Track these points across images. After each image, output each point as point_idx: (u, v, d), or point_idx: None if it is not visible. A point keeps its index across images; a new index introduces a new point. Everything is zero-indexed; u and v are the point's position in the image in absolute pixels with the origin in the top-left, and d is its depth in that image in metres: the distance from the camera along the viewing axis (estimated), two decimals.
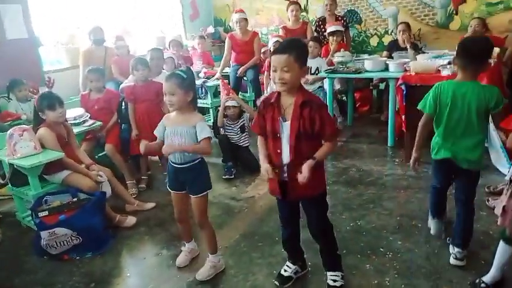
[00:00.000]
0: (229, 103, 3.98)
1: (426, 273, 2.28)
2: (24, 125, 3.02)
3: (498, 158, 3.50)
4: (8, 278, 2.57)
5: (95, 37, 4.91)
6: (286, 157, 1.94)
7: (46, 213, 2.67)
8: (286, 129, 1.91)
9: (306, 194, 1.99)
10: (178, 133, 2.19)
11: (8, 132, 2.89)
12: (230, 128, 4.03)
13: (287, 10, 5.44)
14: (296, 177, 1.86)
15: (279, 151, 1.94)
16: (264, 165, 1.96)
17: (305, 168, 1.84)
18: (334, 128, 1.94)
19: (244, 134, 4.05)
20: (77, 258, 2.71)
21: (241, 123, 4.04)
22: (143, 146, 2.30)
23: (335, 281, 2.16)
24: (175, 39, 5.63)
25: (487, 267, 2.26)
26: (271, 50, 4.79)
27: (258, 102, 4.19)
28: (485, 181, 3.30)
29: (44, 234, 2.64)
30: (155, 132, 2.31)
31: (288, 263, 2.30)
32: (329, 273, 2.19)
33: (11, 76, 4.09)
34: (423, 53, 4.57)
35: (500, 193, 2.96)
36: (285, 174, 1.96)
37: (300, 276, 2.31)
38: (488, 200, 2.97)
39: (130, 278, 2.50)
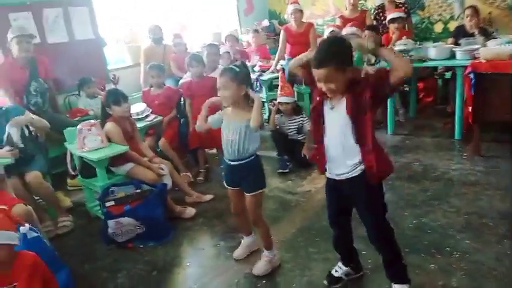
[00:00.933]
0: (281, 99, 3.93)
1: (498, 276, 2.12)
2: (92, 120, 3.20)
3: None
4: (80, 262, 2.75)
5: (154, 36, 5.11)
6: (330, 144, 1.88)
7: (113, 203, 2.83)
8: (332, 116, 1.84)
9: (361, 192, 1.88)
10: (231, 128, 2.20)
11: (78, 127, 3.09)
12: (284, 124, 3.99)
13: None
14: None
15: (322, 137, 1.91)
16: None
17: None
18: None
19: (300, 135, 3.98)
20: (141, 246, 2.84)
21: (299, 124, 3.96)
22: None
23: None
24: (231, 33, 5.69)
25: None
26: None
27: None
28: None
29: (110, 223, 2.79)
30: (209, 119, 2.33)
31: (339, 263, 2.21)
32: (394, 286, 2.02)
33: (80, 75, 4.37)
34: (495, 38, 4.22)
35: None
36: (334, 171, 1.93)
37: (354, 278, 2.22)
38: None
39: (190, 268, 2.58)
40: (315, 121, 1.94)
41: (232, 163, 2.26)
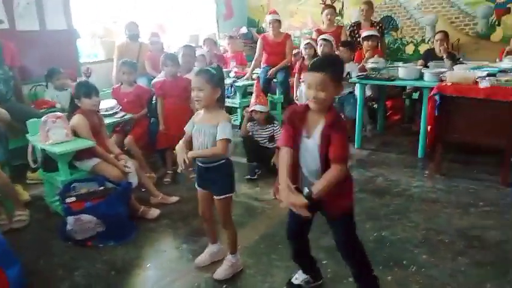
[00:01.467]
0: (256, 107, 3.95)
1: None
2: (58, 113, 3.10)
3: None
4: (34, 258, 2.64)
5: (130, 32, 5.04)
6: (305, 172, 1.88)
7: (73, 199, 2.74)
8: (307, 145, 1.84)
9: (332, 209, 1.90)
10: (201, 131, 2.19)
11: (42, 118, 2.99)
12: (257, 132, 4.02)
13: (322, 13, 5.41)
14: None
15: (299, 163, 1.88)
16: (284, 180, 1.76)
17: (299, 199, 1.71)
18: (347, 152, 1.80)
19: (271, 143, 4.01)
20: (100, 245, 2.76)
21: (270, 133, 3.99)
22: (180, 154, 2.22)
23: None
24: (209, 37, 5.68)
25: None
26: (302, 53, 4.75)
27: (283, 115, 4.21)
28: None
29: (70, 219, 2.70)
30: (185, 128, 2.30)
31: (299, 271, 2.23)
32: None
33: (49, 65, 4.23)
34: (461, 63, 4.43)
35: None
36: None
37: (313, 286, 2.23)
38: None
39: (150, 270, 2.53)
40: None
41: (203, 165, 2.25)
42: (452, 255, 2.52)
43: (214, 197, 2.28)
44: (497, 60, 4.45)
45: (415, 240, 2.69)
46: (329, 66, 1.77)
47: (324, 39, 4.66)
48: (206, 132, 2.17)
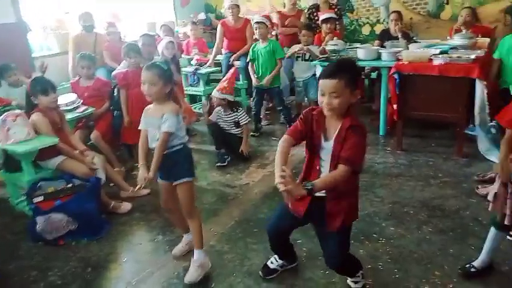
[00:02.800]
0: (215, 94, 3.96)
1: (418, 259, 2.35)
2: (17, 110, 2.97)
3: (487, 147, 3.56)
4: (3, 262, 2.56)
5: (85, 23, 4.85)
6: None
7: (41, 198, 2.67)
8: (326, 149, 1.79)
9: (331, 221, 1.83)
10: (150, 124, 2.20)
11: (1, 117, 2.86)
12: (221, 118, 4.03)
13: None
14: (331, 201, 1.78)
15: (318, 168, 1.84)
16: (279, 169, 1.67)
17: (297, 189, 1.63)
18: (358, 156, 1.71)
19: (237, 129, 4.04)
20: (73, 243, 2.71)
21: (235, 118, 4.01)
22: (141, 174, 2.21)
23: (356, 282, 2.09)
24: (166, 24, 5.56)
25: (476, 253, 2.34)
26: (255, 28, 4.59)
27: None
28: (475, 169, 3.39)
29: (39, 219, 2.63)
30: (141, 126, 2.29)
31: (275, 255, 2.26)
32: (349, 279, 2.11)
33: (0, 61, 4.01)
34: (415, 42, 4.61)
35: (489, 181, 3.08)
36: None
37: (288, 269, 2.28)
38: (477, 188, 3.04)
39: (127, 263, 2.52)
40: (311, 155, 1.87)
41: None
42: (417, 225, 2.68)
43: (174, 183, 2.25)
44: (447, 37, 4.66)
45: (383, 214, 2.83)
46: (344, 71, 1.68)
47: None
48: (154, 125, 2.18)
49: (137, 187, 2.22)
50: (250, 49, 4.64)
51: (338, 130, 1.75)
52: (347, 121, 1.73)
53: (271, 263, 2.26)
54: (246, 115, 4.04)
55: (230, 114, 4.01)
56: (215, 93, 3.96)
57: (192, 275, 2.27)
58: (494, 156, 3.45)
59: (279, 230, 2.10)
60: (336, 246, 1.89)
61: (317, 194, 1.75)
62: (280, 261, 2.26)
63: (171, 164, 2.22)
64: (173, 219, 2.52)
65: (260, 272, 2.26)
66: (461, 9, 4.97)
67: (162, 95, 2.18)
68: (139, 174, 2.19)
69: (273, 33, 4.93)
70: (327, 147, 1.78)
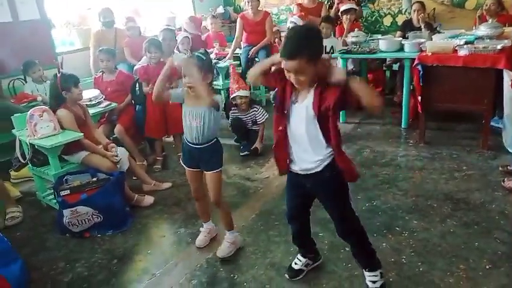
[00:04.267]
0: (240, 93, 3.96)
1: (442, 252, 2.31)
2: (43, 106, 3.05)
3: None
4: (32, 254, 2.65)
5: (105, 19, 4.90)
6: (289, 137, 1.83)
7: (68, 191, 2.73)
8: (296, 111, 1.78)
9: (325, 186, 1.86)
10: (195, 115, 2.20)
11: (28, 113, 2.93)
12: (241, 116, 4.05)
13: None
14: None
15: (281, 128, 1.83)
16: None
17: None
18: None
19: (256, 125, 4.05)
20: (99, 235, 2.78)
21: (252, 118, 4.02)
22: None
23: (374, 282, 2.01)
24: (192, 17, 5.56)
25: (502, 246, 2.30)
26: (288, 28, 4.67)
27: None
28: (500, 162, 3.31)
29: (66, 212, 2.70)
30: (171, 91, 2.31)
31: (298, 255, 2.23)
32: (366, 274, 2.04)
33: (24, 58, 4.12)
34: (439, 32, 4.50)
35: None
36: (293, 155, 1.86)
37: (313, 267, 2.25)
38: (503, 181, 2.97)
39: (151, 255, 2.57)
40: (278, 117, 1.85)
41: (195, 146, 2.26)
42: (441, 218, 2.64)
43: (207, 172, 2.30)
44: (473, 27, 4.54)
45: (405, 207, 2.80)
46: (301, 51, 1.61)
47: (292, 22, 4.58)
48: (200, 114, 2.18)
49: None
50: None
51: (312, 95, 1.72)
52: (318, 87, 1.70)
53: (296, 264, 2.22)
54: (264, 112, 4.04)
55: (248, 113, 4.02)
56: (242, 93, 3.96)
57: (224, 250, 2.40)
58: None
59: (295, 210, 2.08)
60: (337, 213, 1.94)
61: (305, 172, 1.84)
62: (304, 260, 2.21)
63: (208, 156, 2.28)
64: (199, 207, 2.55)
65: (286, 275, 2.21)
66: None
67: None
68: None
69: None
70: (300, 108, 1.76)
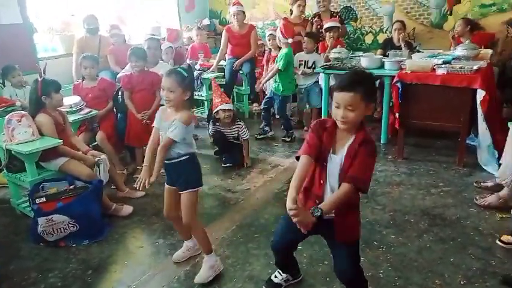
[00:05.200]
0: (224, 106, 3.92)
1: (419, 267, 2.35)
2: (22, 111, 2.99)
3: (486, 158, 3.57)
4: (4, 263, 2.56)
5: (89, 26, 4.86)
6: (328, 190, 1.76)
7: (44, 199, 2.67)
8: (333, 162, 1.74)
9: (341, 235, 1.80)
10: (163, 127, 2.19)
11: (6, 117, 2.87)
12: (224, 130, 4.03)
13: (293, 4, 5.34)
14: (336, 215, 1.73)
15: (322, 182, 1.77)
16: (291, 198, 1.66)
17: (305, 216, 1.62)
18: (367, 176, 1.68)
19: (239, 141, 4.04)
20: (74, 245, 2.72)
21: (236, 133, 4.01)
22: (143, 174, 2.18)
23: None
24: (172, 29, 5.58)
25: (475, 262, 2.35)
26: (268, 39, 4.71)
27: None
28: (475, 179, 3.40)
29: (41, 220, 2.64)
30: (154, 124, 2.29)
31: (279, 270, 2.21)
32: None
33: (4, 62, 4.04)
34: (418, 51, 4.64)
35: (487, 189, 3.11)
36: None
37: (293, 283, 2.22)
38: (476, 199, 3.05)
39: (127, 266, 2.52)
40: (315, 168, 1.80)
41: (168, 162, 2.22)
42: (418, 234, 2.68)
43: (180, 192, 2.25)
44: (451, 48, 4.69)
45: (384, 222, 2.84)
46: (361, 84, 1.65)
47: (271, 34, 4.69)
48: (165, 128, 2.16)
49: (138, 185, 2.15)
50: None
51: (349, 144, 1.70)
52: (360, 135, 1.70)
53: (275, 277, 2.20)
54: (246, 129, 4.04)
55: (231, 128, 4.01)
56: (226, 106, 3.94)
57: (202, 276, 2.29)
58: (492, 168, 3.47)
59: (285, 244, 2.04)
60: (348, 258, 1.84)
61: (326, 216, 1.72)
62: (284, 276, 2.20)
63: (179, 172, 2.23)
64: (176, 227, 2.51)
65: (264, 287, 2.20)
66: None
67: (180, 102, 2.16)
68: (141, 174, 2.16)
69: (289, 40, 4.85)
70: (335, 160, 1.73)
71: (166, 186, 2.34)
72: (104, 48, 4.90)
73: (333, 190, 1.75)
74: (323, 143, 1.75)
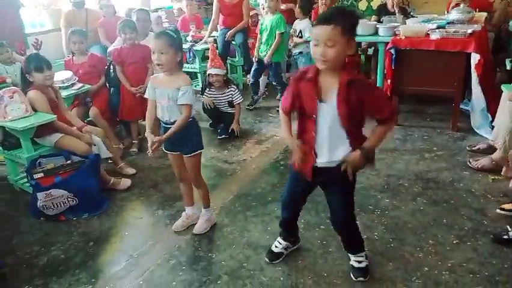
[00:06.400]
0: (212, 71, 3.94)
1: (412, 229, 2.41)
2: (13, 87, 2.96)
3: (480, 122, 3.60)
4: (5, 238, 2.60)
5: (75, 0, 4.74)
6: (322, 140, 1.75)
7: (42, 174, 2.68)
8: (324, 111, 1.69)
9: (338, 178, 1.80)
10: (165, 95, 2.19)
11: None
12: (215, 97, 4.03)
13: None
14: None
15: (313, 133, 1.75)
16: (293, 140, 1.79)
17: (354, 159, 1.69)
18: (392, 107, 1.73)
19: (231, 108, 4.04)
20: (74, 218, 2.75)
21: (229, 97, 4.01)
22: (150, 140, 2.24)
23: (359, 262, 2.05)
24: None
25: (468, 222, 2.42)
26: (264, 8, 4.59)
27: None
28: (469, 143, 3.44)
29: (40, 195, 2.66)
30: (147, 95, 2.29)
31: (279, 238, 2.23)
32: (352, 256, 2.07)
33: None
34: (412, 17, 4.58)
35: (479, 152, 3.15)
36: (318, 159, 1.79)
37: (292, 250, 2.26)
38: (469, 162, 3.10)
39: (128, 237, 2.57)
40: (304, 119, 1.78)
41: (169, 126, 2.25)
42: (412, 197, 2.74)
43: (184, 156, 2.32)
44: (445, 13, 4.63)
45: (378, 187, 2.89)
46: (340, 17, 1.55)
47: None
48: (169, 96, 2.18)
49: (151, 151, 2.22)
50: (260, 21, 4.52)
51: (337, 88, 1.64)
52: (344, 75, 1.63)
53: (276, 247, 2.22)
54: (239, 94, 4.05)
55: (225, 92, 4.01)
56: (215, 71, 3.93)
57: (200, 227, 2.49)
58: (485, 131, 3.50)
59: (293, 197, 2.06)
60: (342, 202, 1.90)
61: (322, 165, 1.79)
62: (284, 243, 2.23)
63: (183, 138, 2.27)
64: (184, 190, 2.54)
65: (266, 258, 2.22)
66: None
67: (174, 64, 2.16)
68: (149, 140, 2.22)
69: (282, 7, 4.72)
70: (326, 109, 1.68)
71: (169, 153, 2.38)
72: (91, 21, 4.79)
73: (325, 141, 1.74)
74: (304, 97, 1.72)
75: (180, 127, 2.20)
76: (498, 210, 2.49)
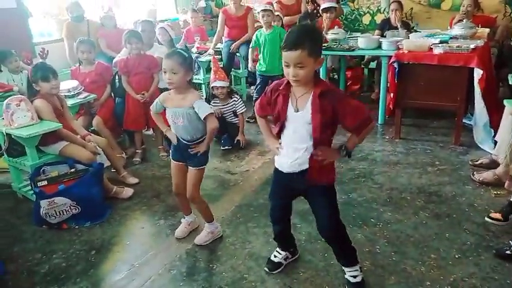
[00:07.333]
0: (216, 84, 4.00)
1: (415, 242, 2.40)
2: (20, 96, 3.00)
3: (482, 137, 3.60)
4: (7, 246, 2.61)
5: (73, 14, 4.82)
6: (287, 147, 1.87)
7: (45, 182, 2.70)
8: (297, 121, 1.78)
9: (316, 180, 1.87)
10: (179, 115, 2.22)
11: (5, 102, 2.88)
12: (219, 108, 4.05)
13: None
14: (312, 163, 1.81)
15: (284, 141, 1.88)
16: (272, 140, 1.94)
17: (333, 153, 1.83)
18: (366, 113, 1.76)
19: (236, 118, 4.08)
20: (76, 227, 2.76)
21: (232, 107, 4.06)
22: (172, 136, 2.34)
23: (354, 276, 2.05)
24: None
25: (471, 237, 2.41)
26: (261, 15, 4.58)
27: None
28: (471, 157, 3.44)
29: (43, 203, 2.67)
30: (152, 109, 2.36)
31: (278, 249, 2.25)
32: (346, 270, 2.07)
33: (1, 47, 4.01)
34: (415, 31, 4.62)
35: (482, 166, 3.15)
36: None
37: (292, 261, 2.27)
38: (473, 174, 3.10)
39: (130, 246, 2.57)
40: (279, 125, 1.87)
41: (187, 143, 2.29)
42: (414, 211, 2.73)
43: (190, 168, 2.34)
44: (448, 27, 4.68)
45: (380, 200, 2.89)
46: (305, 41, 1.63)
47: (264, 10, 4.39)
48: (185, 114, 2.21)
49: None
50: (254, 36, 4.58)
51: (311, 99, 1.74)
52: (318, 87, 1.73)
53: (275, 256, 2.24)
54: (242, 103, 4.10)
55: (228, 103, 4.05)
56: (219, 83, 3.99)
57: (202, 238, 2.48)
58: (487, 146, 3.50)
59: (278, 209, 2.11)
60: (326, 209, 1.93)
61: (300, 168, 1.86)
62: (283, 254, 2.24)
63: (195, 152, 2.30)
64: (180, 202, 2.56)
65: (265, 268, 2.23)
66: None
67: (184, 83, 2.21)
68: (171, 135, 2.34)
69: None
70: (298, 118, 1.77)
71: (175, 162, 2.40)
72: (93, 32, 4.86)
73: (293, 148, 1.84)
74: (278, 108, 1.82)
75: (212, 135, 2.29)
76: (486, 218, 2.53)
